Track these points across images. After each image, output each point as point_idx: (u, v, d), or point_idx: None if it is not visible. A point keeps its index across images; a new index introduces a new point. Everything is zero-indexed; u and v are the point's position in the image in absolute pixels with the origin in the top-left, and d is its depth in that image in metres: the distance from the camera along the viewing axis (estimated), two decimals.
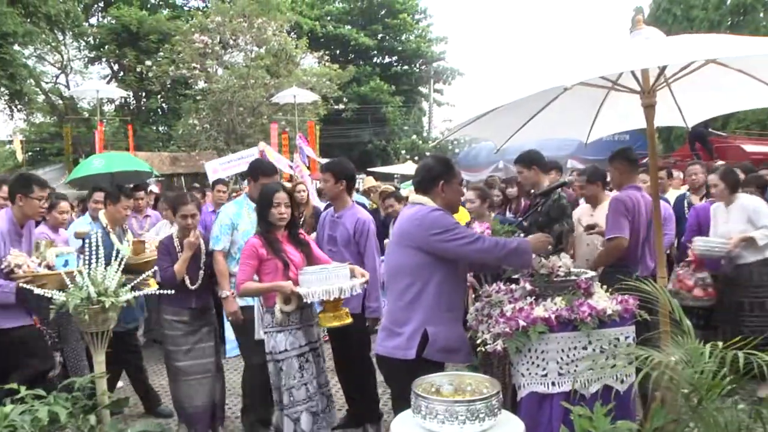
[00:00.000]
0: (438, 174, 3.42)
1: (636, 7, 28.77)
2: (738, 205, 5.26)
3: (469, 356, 3.43)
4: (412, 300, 3.26)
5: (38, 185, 4.33)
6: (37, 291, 3.91)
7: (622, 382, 3.31)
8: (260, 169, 4.85)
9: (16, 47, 18.19)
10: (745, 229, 5.12)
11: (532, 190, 5.10)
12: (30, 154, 27.54)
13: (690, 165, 7.23)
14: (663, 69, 3.33)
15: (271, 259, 3.95)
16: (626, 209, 4.42)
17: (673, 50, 3.06)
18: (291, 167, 10.88)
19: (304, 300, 3.80)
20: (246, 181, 5.55)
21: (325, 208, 5.91)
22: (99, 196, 5.73)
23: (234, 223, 4.66)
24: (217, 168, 10.41)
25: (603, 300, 3.47)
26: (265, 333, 3.97)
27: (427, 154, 29.55)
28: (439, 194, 3.40)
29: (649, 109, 3.43)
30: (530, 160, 4.79)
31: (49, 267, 4.17)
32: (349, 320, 3.90)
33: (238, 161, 10.55)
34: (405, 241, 3.32)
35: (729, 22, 21.81)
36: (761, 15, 22.32)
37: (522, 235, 4.44)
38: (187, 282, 4.50)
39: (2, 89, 18.80)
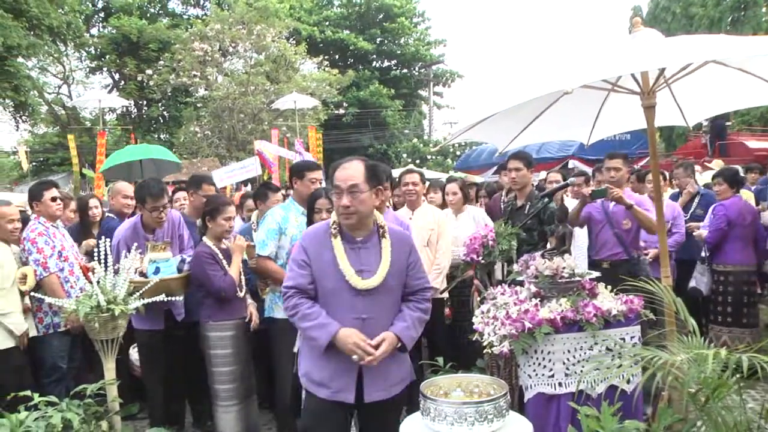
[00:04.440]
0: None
1: (634, 6, 28.80)
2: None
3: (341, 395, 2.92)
4: None
5: (150, 196, 4.40)
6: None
7: (628, 382, 3.33)
8: (305, 166, 4.63)
9: (20, 59, 18.31)
10: None
11: (537, 190, 5.12)
12: (34, 164, 27.65)
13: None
14: (662, 70, 3.37)
15: None
16: None
17: (671, 52, 3.09)
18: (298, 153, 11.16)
19: None
20: (248, 186, 5.43)
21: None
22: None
23: (281, 227, 4.38)
24: (223, 177, 10.53)
25: (608, 300, 3.50)
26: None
27: (429, 157, 29.66)
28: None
29: (649, 110, 3.46)
30: (529, 160, 4.83)
31: (142, 274, 4.20)
32: None
33: (241, 170, 10.68)
34: None
35: (730, 19, 21.68)
36: (763, 10, 22.10)
37: (524, 235, 4.50)
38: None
39: (7, 101, 18.91)
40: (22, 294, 4.50)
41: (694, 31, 19.55)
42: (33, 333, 4.58)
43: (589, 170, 7.88)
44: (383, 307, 2.88)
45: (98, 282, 3.88)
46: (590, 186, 6.11)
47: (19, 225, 4.59)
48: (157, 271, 4.20)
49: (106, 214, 5.91)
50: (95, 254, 4.07)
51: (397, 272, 2.90)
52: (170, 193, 6.61)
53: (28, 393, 3.48)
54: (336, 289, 2.85)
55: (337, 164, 2.94)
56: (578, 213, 5.00)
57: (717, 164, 10.54)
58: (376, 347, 2.75)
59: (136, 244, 4.24)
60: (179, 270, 4.29)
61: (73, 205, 5.93)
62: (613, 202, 4.92)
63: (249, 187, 11.89)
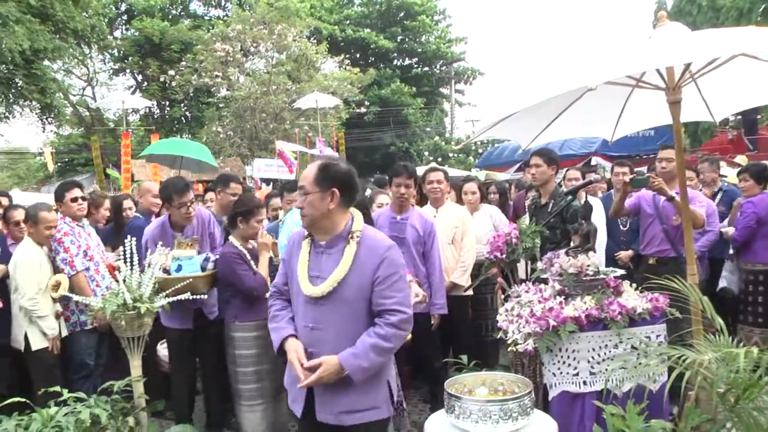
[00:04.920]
0: None
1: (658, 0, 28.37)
2: None
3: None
4: None
5: (176, 193, 4.44)
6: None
7: (654, 381, 3.30)
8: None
9: (46, 62, 18.61)
10: None
11: (561, 187, 5.09)
12: (59, 164, 28.07)
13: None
14: (688, 65, 3.32)
15: None
16: None
17: (698, 46, 3.04)
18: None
19: None
20: (269, 185, 5.49)
21: None
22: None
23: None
24: (261, 167, 10.90)
25: (633, 298, 3.47)
26: None
27: (450, 155, 29.60)
28: None
29: (674, 105, 3.41)
30: (551, 157, 4.80)
31: (166, 271, 4.25)
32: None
33: (278, 168, 11.01)
34: None
35: (762, 9, 20.96)
36: None
37: (547, 233, 4.47)
38: None
39: (34, 103, 19.22)
40: (54, 299, 4.62)
41: (721, 24, 19.11)
42: (64, 333, 4.72)
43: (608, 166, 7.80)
44: (335, 318, 2.64)
45: (124, 280, 3.93)
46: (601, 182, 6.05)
47: (54, 232, 4.69)
48: (179, 268, 4.23)
49: (133, 212, 5.98)
50: (121, 253, 4.13)
51: (358, 283, 2.63)
52: (202, 192, 6.62)
53: (57, 389, 3.55)
54: (295, 294, 2.78)
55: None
56: (621, 203, 4.93)
57: (742, 160, 10.37)
58: (314, 369, 2.57)
59: (162, 242, 4.30)
60: (203, 269, 4.31)
61: (107, 203, 5.98)
62: (665, 198, 4.86)
63: (270, 186, 11.99)
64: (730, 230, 5.76)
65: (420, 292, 3.81)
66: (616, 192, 6.27)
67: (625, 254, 5.74)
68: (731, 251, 5.84)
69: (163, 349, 5.03)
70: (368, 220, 3.73)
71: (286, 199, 5.46)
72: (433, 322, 4.72)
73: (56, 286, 4.55)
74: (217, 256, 4.41)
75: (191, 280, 4.14)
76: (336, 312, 2.63)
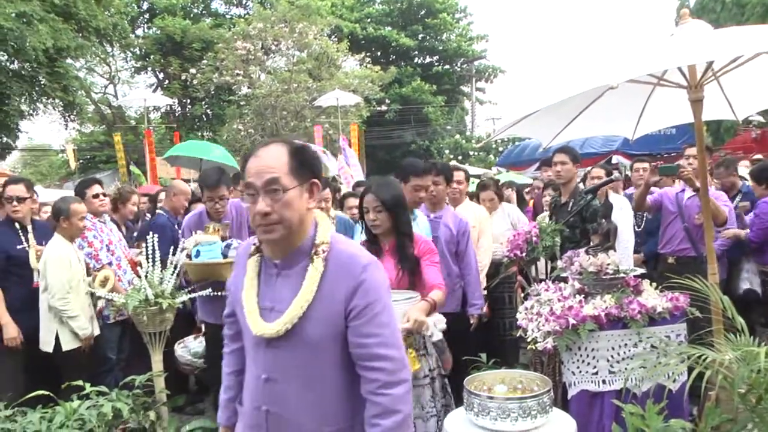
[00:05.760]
0: None
1: None
2: None
3: None
4: None
5: (206, 187, 4.47)
6: (99, 293, 4.14)
7: (674, 381, 3.28)
8: (411, 169, 4.08)
9: (68, 60, 18.86)
10: None
11: (581, 186, 5.06)
12: (81, 162, 28.40)
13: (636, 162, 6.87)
14: (710, 63, 3.29)
15: None
16: None
17: (720, 44, 3.02)
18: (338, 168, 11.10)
19: None
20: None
21: None
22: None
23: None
24: None
25: (652, 298, 3.45)
26: None
27: (471, 153, 29.51)
28: None
29: (696, 104, 3.39)
30: (575, 155, 4.78)
31: (189, 256, 4.28)
32: (417, 366, 3.05)
33: None
34: None
35: None
36: None
37: (567, 232, 4.45)
38: None
39: (57, 101, 19.50)
40: (94, 296, 4.58)
41: (745, 21, 18.81)
42: (96, 331, 4.64)
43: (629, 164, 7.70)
44: (295, 365, 1.88)
45: (146, 276, 3.98)
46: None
47: (86, 224, 4.67)
48: (197, 254, 4.21)
49: (158, 210, 6.05)
50: (143, 249, 4.18)
51: (326, 317, 1.85)
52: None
53: (80, 383, 3.61)
54: (244, 330, 2.00)
55: (249, 153, 1.94)
56: (643, 197, 4.91)
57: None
58: None
59: (198, 231, 4.36)
60: (224, 255, 4.29)
61: (134, 198, 6.05)
62: (688, 196, 4.81)
63: None
64: (729, 232, 5.63)
65: (413, 315, 2.90)
66: (636, 189, 6.22)
67: (636, 257, 5.63)
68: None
69: (180, 350, 5.08)
70: (407, 226, 3.40)
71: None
72: (472, 322, 4.54)
73: (104, 281, 4.50)
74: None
75: (208, 265, 4.11)
76: (296, 357, 1.87)
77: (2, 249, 4.55)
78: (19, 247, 4.60)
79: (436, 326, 3.17)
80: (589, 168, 6.73)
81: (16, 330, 4.41)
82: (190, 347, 5.13)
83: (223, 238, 4.37)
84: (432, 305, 3.04)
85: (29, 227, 4.70)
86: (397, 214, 3.31)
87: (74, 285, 4.39)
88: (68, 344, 4.39)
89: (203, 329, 4.86)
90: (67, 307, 4.32)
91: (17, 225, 4.65)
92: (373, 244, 3.37)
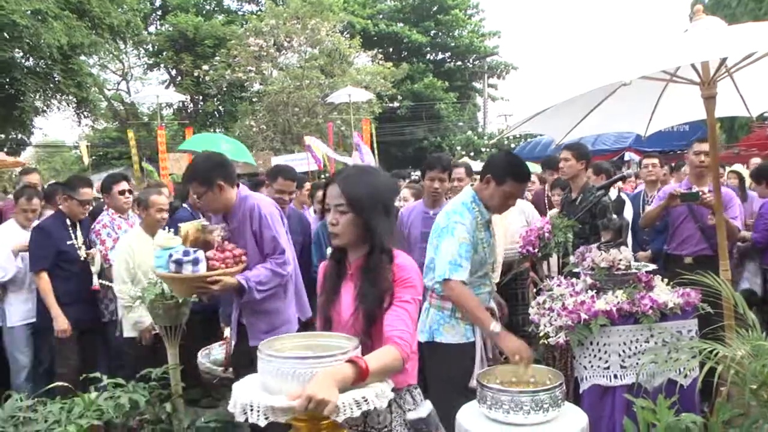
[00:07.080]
0: None
1: None
2: None
3: None
4: None
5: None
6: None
7: (685, 376, 3.29)
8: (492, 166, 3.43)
9: (82, 57, 19.06)
10: None
11: (592, 183, 5.06)
12: (94, 158, 28.61)
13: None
14: (724, 59, 3.29)
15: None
16: None
17: (734, 41, 3.01)
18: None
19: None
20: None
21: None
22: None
23: (473, 240, 3.31)
24: (280, 164, 11.10)
25: (664, 293, 3.47)
26: None
27: (483, 149, 29.45)
28: None
29: (709, 100, 3.39)
30: (582, 152, 4.78)
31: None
32: None
33: (293, 161, 11.08)
34: None
35: None
36: None
37: (580, 228, 4.45)
38: None
39: (70, 97, 19.69)
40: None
41: (762, 16, 18.58)
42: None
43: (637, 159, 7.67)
44: None
45: None
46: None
47: (166, 215, 4.74)
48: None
49: (182, 205, 6.08)
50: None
51: None
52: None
53: (97, 374, 3.66)
54: None
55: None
56: (659, 213, 4.89)
57: None
58: None
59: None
60: (178, 263, 4.10)
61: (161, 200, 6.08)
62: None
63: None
64: (747, 234, 5.60)
65: (309, 389, 1.72)
66: (646, 184, 6.21)
67: (643, 254, 5.62)
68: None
69: (202, 357, 5.07)
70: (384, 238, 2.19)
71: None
72: None
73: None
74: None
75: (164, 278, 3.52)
76: None
77: (53, 244, 4.68)
78: (68, 242, 4.73)
79: (377, 398, 1.87)
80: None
81: (65, 322, 4.55)
82: (213, 353, 5.17)
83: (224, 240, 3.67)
84: (359, 373, 1.85)
85: (78, 224, 4.87)
86: (368, 219, 2.17)
87: (137, 276, 4.47)
88: (128, 332, 4.53)
89: (225, 335, 4.86)
90: (122, 296, 4.39)
91: (68, 221, 4.80)
92: (337, 261, 2.33)
